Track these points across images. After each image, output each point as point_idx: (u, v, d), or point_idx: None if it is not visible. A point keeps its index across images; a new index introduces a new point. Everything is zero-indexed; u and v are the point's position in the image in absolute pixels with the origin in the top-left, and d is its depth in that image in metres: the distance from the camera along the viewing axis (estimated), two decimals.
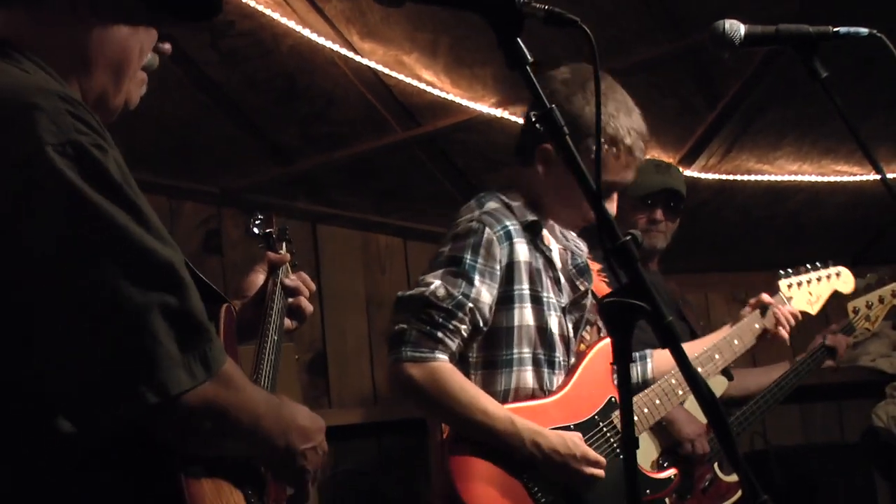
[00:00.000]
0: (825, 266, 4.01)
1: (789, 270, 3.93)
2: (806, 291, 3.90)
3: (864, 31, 2.53)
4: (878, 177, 2.50)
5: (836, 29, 2.52)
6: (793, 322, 3.80)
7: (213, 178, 6.22)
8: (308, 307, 2.93)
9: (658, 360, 3.65)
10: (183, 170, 6.17)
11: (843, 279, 4.05)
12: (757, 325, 3.74)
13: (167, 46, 2.28)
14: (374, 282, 6.64)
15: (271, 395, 2.25)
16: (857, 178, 6.13)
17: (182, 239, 6.14)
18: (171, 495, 1.98)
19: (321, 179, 6.38)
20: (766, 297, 3.81)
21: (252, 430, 2.10)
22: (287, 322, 2.89)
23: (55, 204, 1.88)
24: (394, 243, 6.70)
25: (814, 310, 3.92)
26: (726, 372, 4.01)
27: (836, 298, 4.24)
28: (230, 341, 2.39)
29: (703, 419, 4.27)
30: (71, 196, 1.88)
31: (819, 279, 3.96)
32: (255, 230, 3.11)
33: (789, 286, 3.86)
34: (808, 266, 3.98)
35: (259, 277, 2.92)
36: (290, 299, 2.89)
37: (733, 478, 4.42)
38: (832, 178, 6.17)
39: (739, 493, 4.41)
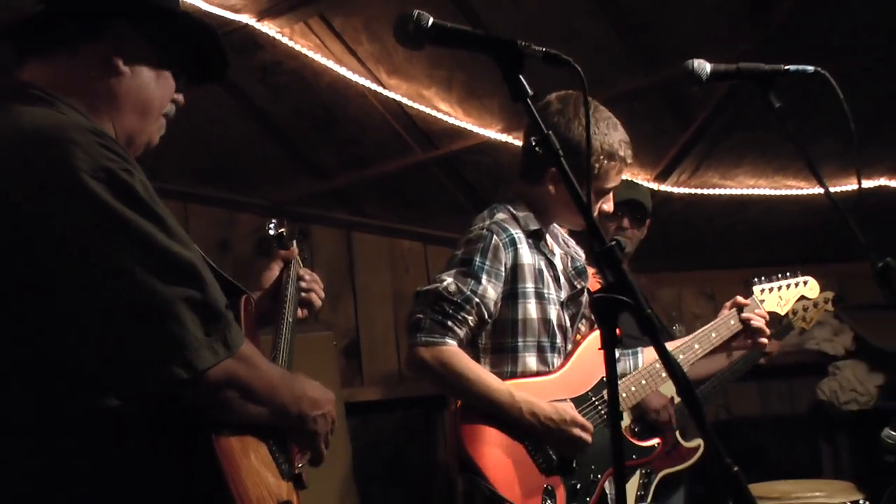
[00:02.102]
0: (794, 275, 4.00)
1: (762, 278, 3.91)
2: (776, 296, 3.89)
3: (810, 68, 2.53)
4: (822, 190, 2.50)
5: (787, 67, 2.52)
6: (764, 322, 3.73)
7: (264, 193, 6.22)
8: (317, 301, 2.94)
9: (647, 356, 3.64)
10: (239, 186, 6.18)
11: (809, 286, 4.02)
12: (732, 322, 3.70)
13: (181, 98, 2.32)
14: (399, 280, 6.64)
15: (285, 371, 2.27)
16: (806, 191, 6.11)
17: (238, 244, 6.17)
18: (203, 450, 2.01)
19: (354, 194, 6.38)
20: (740, 299, 3.76)
21: (269, 399, 2.12)
22: (298, 311, 2.90)
23: (92, 219, 1.91)
24: (415, 247, 6.70)
25: (783, 311, 3.92)
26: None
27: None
28: (250, 326, 2.39)
29: (666, 394, 4.29)
30: (105, 212, 1.91)
31: (788, 286, 3.94)
32: (271, 231, 3.11)
33: (762, 291, 3.86)
34: (779, 275, 3.97)
35: (274, 272, 2.94)
36: (303, 294, 2.89)
37: (693, 444, 4.44)
38: (785, 192, 6.15)
39: (697, 456, 4.42)
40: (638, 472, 3.81)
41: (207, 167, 5.93)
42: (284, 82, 5.31)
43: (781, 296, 3.92)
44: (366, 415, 6.27)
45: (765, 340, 3.70)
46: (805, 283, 4.01)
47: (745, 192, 6.14)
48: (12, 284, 1.93)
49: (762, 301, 3.81)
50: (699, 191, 6.08)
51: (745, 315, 3.68)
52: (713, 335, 3.66)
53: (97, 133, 1.99)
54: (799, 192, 6.13)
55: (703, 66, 2.51)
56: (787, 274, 3.98)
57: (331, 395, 2.35)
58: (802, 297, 4.04)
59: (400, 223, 6.61)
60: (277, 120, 5.65)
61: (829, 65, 2.55)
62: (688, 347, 3.60)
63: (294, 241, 3.07)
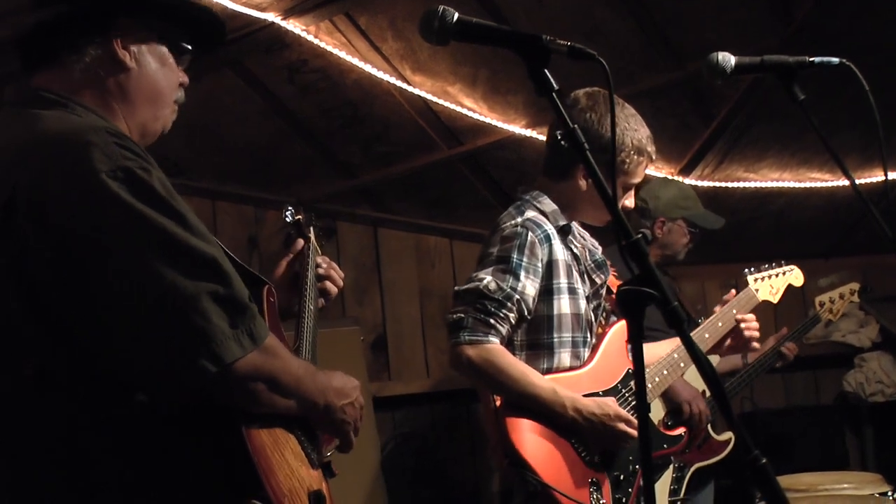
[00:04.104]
0: (780, 265, 4.06)
1: (753, 269, 3.98)
2: (768, 284, 3.96)
3: (835, 60, 2.50)
4: (846, 183, 2.47)
5: (811, 59, 2.49)
6: (753, 321, 3.74)
7: (291, 190, 6.23)
8: (333, 290, 2.90)
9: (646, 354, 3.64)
10: (266, 184, 6.19)
11: (794, 275, 4.10)
12: (734, 311, 3.71)
13: (186, 79, 2.33)
14: (426, 275, 6.64)
15: (309, 364, 2.27)
16: (829, 184, 6.07)
17: (265, 241, 6.18)
18: (236, 445, 2.01)
19: (380, 190, 6.39)
20: (734, 291, 3.81)
21: (295, 390, 2.12)
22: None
23: (113, 219, 1.92)
24: (441, 243, 6.69)
25: (775, 299, 3.99)
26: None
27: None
28: (273, 316, 2.38)
29: (697, 386, 4.27)
30: (126, 211, 1.92)
31: (777, 275, 4.03)
32: (288, 219, 3.08)
33: (755, 280, 3.93)
34: (768, 265, 4.03)
35: (291, 259, 2.92)
36: (319, 283, 2.86)
37: (724, 437, 4.41)
38: (808, 185, 6.11)
39: (728, 449, 4.40)
40: (671, 467, 3.79)
41: (235, 165, 5.94)
42: (310, 80, 5.32)
43: (772, 284, 3.99)
44: (393, 409, 6.27)
45: (756, 345, 3.75)
46: (791, 271, 4.08)
47: (768, 185, 6.10)
48: (40, 289, 1.94)
49: (757, 290, 3.87)
50: (723, 184, 6.05)
51: (739, 315, 3.70)
52: (720, 324, 3.68)
53: (113, 133, 2.00)
54: (822, 184, 6.09)
55: (728, 59, 2.48)
56: (774, 264, 4.05)
57: (355, 381, 2.34)
58: (790, 286, 4.09)
59: (425, 219, 6.61)
60: (304, 118, 5.66)
61: (852, 58, 2.52)
62: (700, 339, 3.60)
63: (311, 228, 3.05)
